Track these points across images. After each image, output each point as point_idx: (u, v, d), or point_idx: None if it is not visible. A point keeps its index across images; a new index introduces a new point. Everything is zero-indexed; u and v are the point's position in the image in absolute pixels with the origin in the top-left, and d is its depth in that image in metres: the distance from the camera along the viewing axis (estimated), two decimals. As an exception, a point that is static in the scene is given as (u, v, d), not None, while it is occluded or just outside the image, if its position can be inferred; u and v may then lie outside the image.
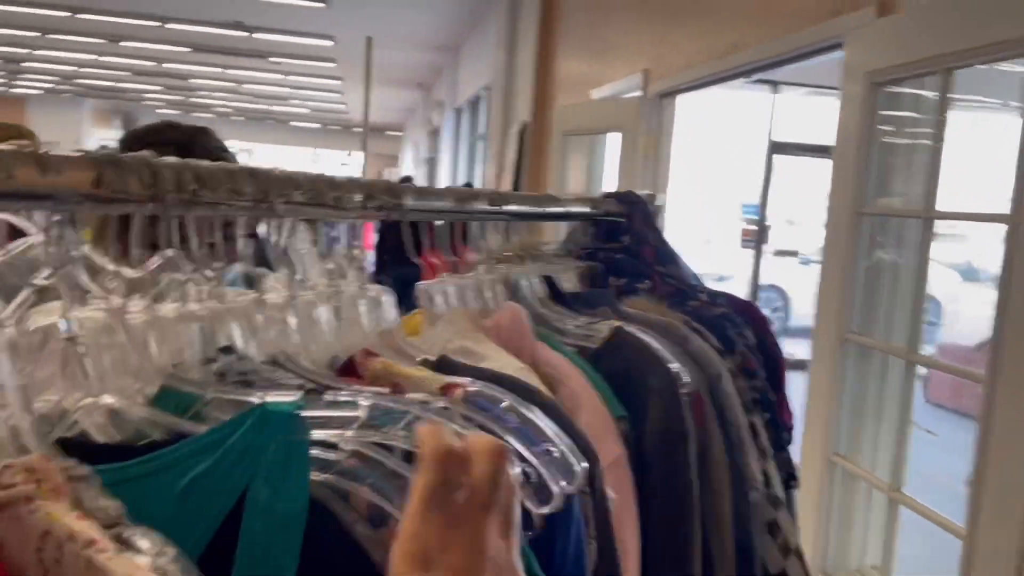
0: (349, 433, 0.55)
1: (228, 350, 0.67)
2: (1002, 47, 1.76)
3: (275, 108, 17.82)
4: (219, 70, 12.69)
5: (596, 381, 0.97)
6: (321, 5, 7.73)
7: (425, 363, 0.80)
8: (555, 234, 1.54)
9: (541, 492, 0.62)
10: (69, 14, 8.83)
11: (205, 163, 0.61)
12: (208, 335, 0.67)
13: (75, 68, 13.63)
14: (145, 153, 0.57)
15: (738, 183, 10.52)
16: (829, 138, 2.34)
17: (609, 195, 1.44)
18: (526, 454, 0.64)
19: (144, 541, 0.41)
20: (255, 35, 9.30)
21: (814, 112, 6.22)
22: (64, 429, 0.55)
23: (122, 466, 0.49)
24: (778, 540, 1.10)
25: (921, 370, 2.27)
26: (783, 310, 10.09)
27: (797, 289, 9.79)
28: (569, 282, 1.24)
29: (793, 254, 10.57)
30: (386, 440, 0.55)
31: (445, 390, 0.69)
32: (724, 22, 3.26)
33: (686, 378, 0.99)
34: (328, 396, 0.60)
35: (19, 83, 15.99)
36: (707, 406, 1.04)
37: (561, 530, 0.67)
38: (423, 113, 14.39)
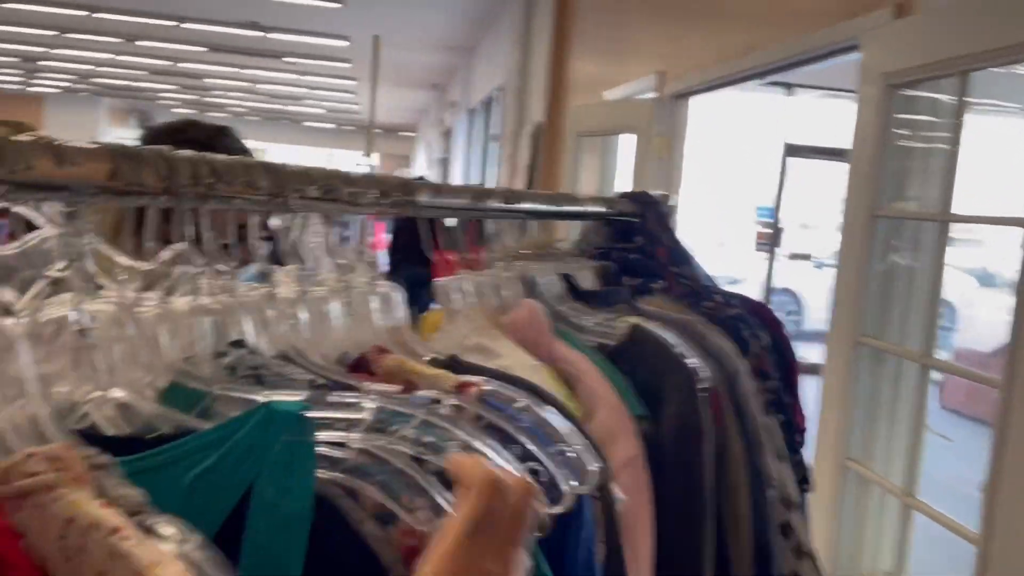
0: (354, 436, 0.55)
1: (239, 344, 0.67)
2: (1020, 49, 1.74)
3: (289, 108, 17.90)
4: (234, 70, 12.75)
5: (615, 378, 0.97)
6: (336, 5, 7.76)
7: (434, 362, 0.79)
8: (568, 234, 1.54)
9: (552, 492, 0.62)
10: (86, 13, 8.89)
11: (221, 157, 0.61)
12: (219, 329, 0.67)
13: (92, 67, 13.73)
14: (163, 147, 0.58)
15: (752, 186, 10.49)
16: (844, 141, 2.33)
17: (623, 195, 1.44)
18: (538, 454, 0.63)
19: (168, 528, 0.41)
20: (270, 35, 9.34)
21: (828, 115, 6.19)
22: (74, 421, 0.55)
23: (130, 459, 0.49)
24: (791, 542, 1.10)
25: (935, 376, 2.26)
26: (797, 314, 10.04)
27: (811, 293, 9.75)
28: (585, 281, 1.24)
29: (807, 257, 10.52)
30: (391, 444, 0.55)
31: (460, 388, 0.69)
32: (739, 23, 3.25)
33: (704, 374, 0.99)
34: (333, 397, 0.60)
35: (37, 82, 16.11)
36: (725, 403, 1.04)
37: (572, 531, 0.67)
38: (436, 114, 14.42)
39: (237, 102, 17.60)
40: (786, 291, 9.91)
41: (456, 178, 11.25)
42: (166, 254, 0.64)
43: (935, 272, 2.12)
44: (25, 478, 0.42)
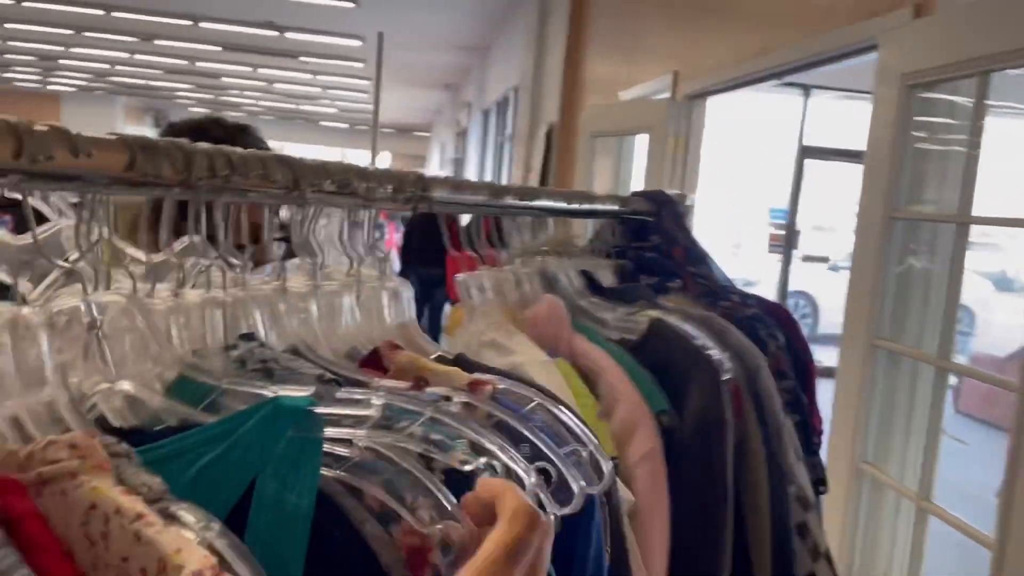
0: (361, 432, 0.54)
1: (249, 337, 0.67)
2: (1041, 50, 1.72)
3: (304, 107, 17.97)
4: (250, 69, 12.81)
5: (637, 372, 0.97)
6: (351, 5, 7.78)
7: (440, 360, 0.79)
8: (583, 233, 1.53)
9: (562, 492, 0.61)
10: (104, 12, 8.95)
11: (238, 149, 0.61)
12: (230, 322, 0.67)
13: (108, 66, 13.82)
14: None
15: (767, 187, 10.45)
16: (861, 143, 2.31)
17: (638, 193, 1.43)
18: (549, 454, 0.63)
19: (189, 515, 0.41)
20: (286, 34, 9.38)
21: (846, 116, 6.16)
22: (84, 412, 0.55)
23: (136, 451, 0.49)
24: (807, 543, 1.09)
25: (951, 380, 2.24)
26: (811, 316, 9.99)
27: (826, 295, 9.70)
28: (605, 278, 1.24)
29: (823, 260, 10.47)
30: (398, 443, 0.54)
31: (472, 386, 0.69)
32: (755, 23, 3.23)
33: (727, 365, 0.99)
34: (341, 393, 0.59)
35: (54, 80, 16.24)
36: (745, 398, 1.04)
37: (581, 532, 0.66)
38: (451, 114, 14.45)
39: (252, 101, 17.68)
40: (801, 294, 9.86)
41: (470, 178, 11.24)
42: (177, 246, 0.64)
43: (953, 275, 2.10)
44: (46, 465, 0.42)
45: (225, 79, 14.53)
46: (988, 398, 6.48)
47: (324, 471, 0.51)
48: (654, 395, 0.96)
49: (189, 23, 9.23)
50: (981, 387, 6.47)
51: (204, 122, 1.55)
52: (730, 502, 0.96)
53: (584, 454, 0.66)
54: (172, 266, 0.64)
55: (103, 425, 0.54)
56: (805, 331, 1.29)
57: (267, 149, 1.57)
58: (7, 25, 10.46)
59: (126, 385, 0.56)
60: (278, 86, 14.94)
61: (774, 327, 1.19)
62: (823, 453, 1.43)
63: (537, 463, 0.61)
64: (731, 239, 11.06)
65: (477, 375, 0.71)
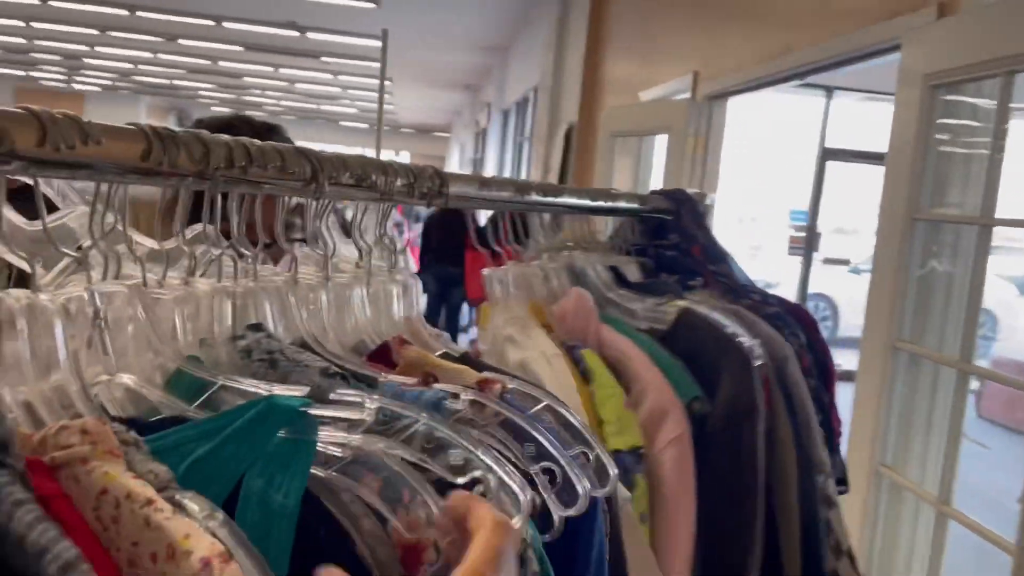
0: (352, 437, 0.54)
1: (257, 328, 0.67)
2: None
3: (324, 107, 18.05)
4: (271, 69, 12.89)
5: (666, 361, 0.98)
6: (371, 5, 7.81)
7: (445, 357, 0.79)
8: (603, 231, 1.53)
9: (566, 493, 0.61)
10: (128, 12, 9.03)
11: (256, 141, 0.61)
12: (239, 312, 0.67)
13: (132, 65, 13.95)
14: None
15: (788, 189, 10.39)
16: (883, 145, 2.29)
17: (657, 192, 1.43)
18: (555, 455, 0.63)
19: (193, 505, 0.42)
20: (308, 35, 9.43)
21: (869, 118, 6.11)
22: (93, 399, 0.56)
23: None
24: (830, 540, 1.09)
25: (973, 384, 2.21)
26: (831, 319, 9.92)
27: (846, 298, 9.62)
28: (631, 274, 1.26)
29: (843, 262, 10.39)
30: (390, 449, 0.54)
31: (482, 385, 0.69)
32: (777, 23, 3.21)
33: (758, 351, 0.99)
34: (335, 395, 0.59)
35: (79, 79, 16.41)
36: (774, 388, 1.03)
37: (584, 535, 0.66)
38: (470, 115, 14.47)
39: (274, 101, 17.79)
40: (821, 296, 9.79)
41: (489, 178, 11.24)
42: (189, 233, 0.64)
43: (975, 278, 2.07)
44: (59, 450, 0.42)
45: (247, 79, 14.63)
46: (1011, 403, 6.41)
47: (315, 471, 0.51)
48: (684, 383, 0.96)
49: (212, 23, 9.30)
50: (1004, 392, 6.39)
51: (233, 120, 1.55)
52: (761, 489, 0.96)
53: (591, 456, 0.66)
54: (180, 254, 0.64)
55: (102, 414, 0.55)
56: (825, 334, 1.28)
57: None
58: (33, 25, 10.58)
59: (126, 378, 0.57)
60: (299, 86, 15.03)
61: (795, 326, 1.18)
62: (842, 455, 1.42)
63: (543, 463, 0.61)
64: (751, 241, 11.00)
65: (487, 374, 0.71)
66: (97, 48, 12.38)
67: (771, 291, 1.33)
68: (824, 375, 1.23)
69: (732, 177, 4.25)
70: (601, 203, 1.25)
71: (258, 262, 0.69)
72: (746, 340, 1.00)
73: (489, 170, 11.56)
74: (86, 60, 13.90)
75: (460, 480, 0.54)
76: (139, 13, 9.06)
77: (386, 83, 13.30)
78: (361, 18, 8.45)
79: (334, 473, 0.52)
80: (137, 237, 0.62)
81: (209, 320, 0.65)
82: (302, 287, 0.74)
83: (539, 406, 0.69)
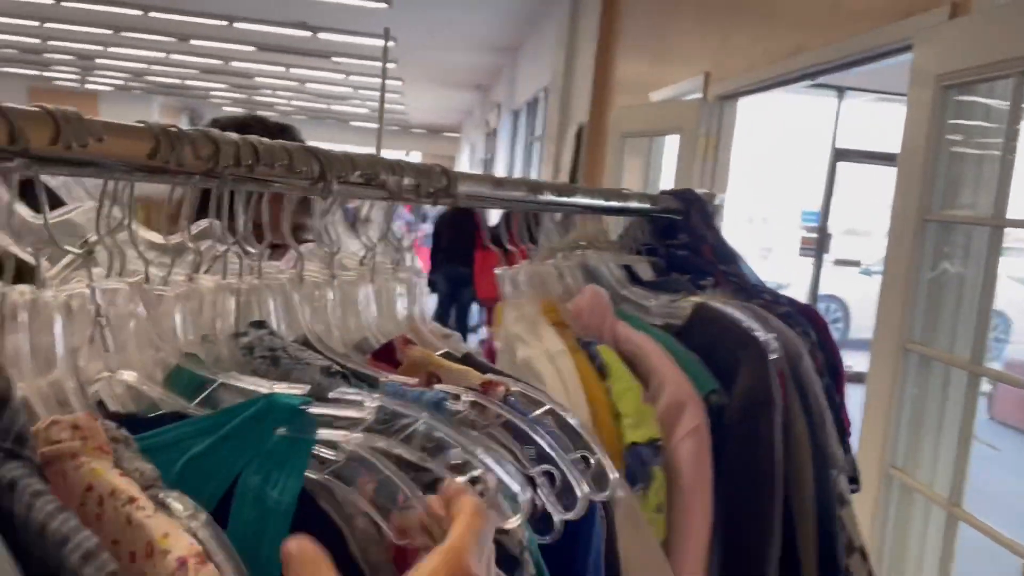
0: (351, 435, 0.54)
1: (260, 325, 0.67)
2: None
3: (335, 107, 18.09)
4: (283, 69, 12.93)
5: (683, 355, 0.98)
6: (383, 6, 7.82)
7: (447, 357, 0.79)
8: (608, 231, 1.53)
9: (566, 496, 0.61)
10: (141, 12, 9.07)
11: (265, 140, 0.61)
12: (243, 309, 0.67)
13: (145, 65, 14.02)
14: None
15: (799, 190, 10.35)
16: (895, 146, 2.28)
17: (667, 192, 1.42)
18: (555, 458, 0.63)
19: (177, 504, 0.42)
20: (319, 35, 9.45)
21: (881, 119, 6.08)
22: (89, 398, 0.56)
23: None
24: (842, 537, 1.08)
25: (985, 387, 2.20)
26: (842, 321, 9.87)
27: (857, 300, 9.58)
28: (645, 273, 1.26)
29: (855, 264, 10.33)
30: (389, 448, 0.54)
31: (485, 387, 0.69)
32: (788, 23, 3.20)
33: (774, 345, 1.00)
34: (335, 393, 0.59)
35: (92, 79, 16.50)
36: (789, 383, 1.03)
37: (582, 538, 0.66)
38: (481, 115, 14.47)
39: (285, 101, 17.84)
40: (832, 298, 9.75)
41: (499, 179, 11.24)
42: (194, 229, 0.64)
43: (987, 279, 2.06)
44: (49, 445, 0.43)
45: (258, 79, 14.68)
46: (1023, 404, 6.37)
47: (310, 472, 0.51)
48: (701, 376, 0.97)
49: (224, 23, 9.33)
50: (1016, 394, 6.35)
51: (247, 120, 1.56)
52: (779, 481, 0.96)
53: (591, 461, 0.66)
54: (183, 248, 0.64)
55: (102, 410, 0.55)
56: (836, 336, 1.28)
57: None
58: (47, 25, 10.65)
59: (126, 375, 0.57)
60: (310, 86, 15.06)
61: (806, 326, 1.18)
62: (851, 457, 1.41)
63: (543, 466, 0.61)
64: (762, 242, 10.96)
65: (490, 376, 0.71)
66: (110, 48, 12.44)
67: (782, 292, 1.33)
68: (834, 376, 1.23)
69: (743, 178, 4.24)
70: (613, 203, 1.25)
71: (263, 259, 0.70)
72: (761, 334, 1.01)
73: (499, 170, 11.56)
74: (99, 60, 13.97)
75: (459, 479, 0.54)
76: (152, 14, 9.10)
77: (397, 83, 13.33)
78: (372, 18, 8.46)
79: (329, 475, 0.52)
80: (142, 231, 0.63)
81: (212, 317, 0.65)
82: (307, 284, 0.74)
83: (541, 410, 0.69)
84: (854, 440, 1.47)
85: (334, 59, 11.39)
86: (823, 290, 7.54)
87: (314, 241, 0.78)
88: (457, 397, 0.62)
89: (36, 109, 0.47)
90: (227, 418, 0.51)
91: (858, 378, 2.39)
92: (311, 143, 0.73)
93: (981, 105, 2.13)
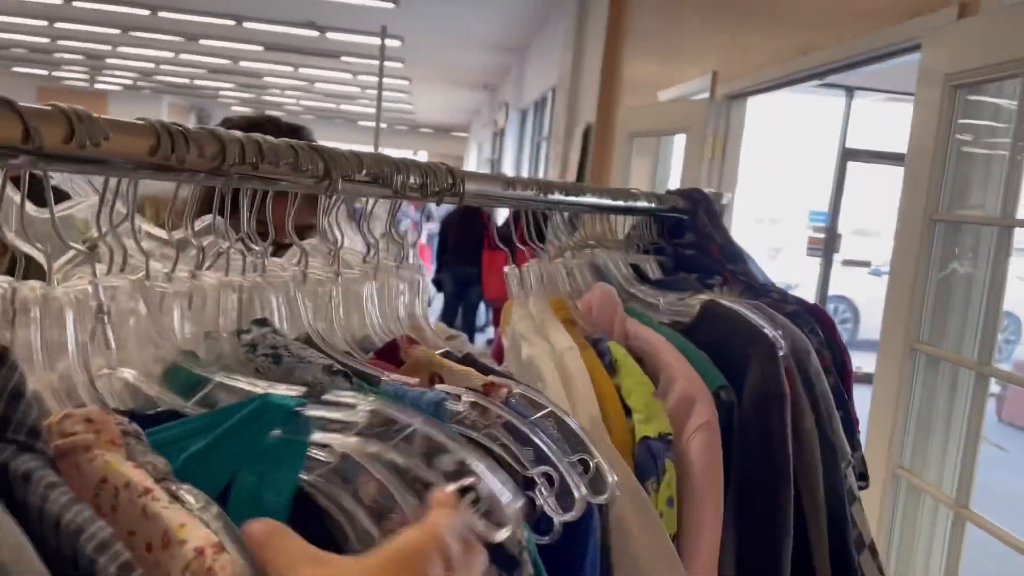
0: (345, 439, 0.54)
1: (263, 323, 0.67)
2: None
3: (344, 107, 18.12)
4: (291, 68, 12.96)
5: (691, 352, 0.99)
6: (391, 5, 7.84)
7: (448, 356, 0.79)
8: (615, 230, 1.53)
9: (563, 498, 0.61)
10: (150, 12, 9.11)
11: (269, 138, 0.61)
12: (246, 306, 0.67)
13: (154, 65, 14.07)
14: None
15: (807, 190, 10.32)
16: (905, 146, 2.27)
17: (673, 192, 1.42)
18: (554, 460, 0.63)
19: (190, 496, 0.42)
20: (327, 34, 9.47)
21: (890, 119, 6.06)
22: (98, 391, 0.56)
23: None
24: (853, 532, 1.08)
25: (994, 388, 2.19)
26: (851, 322, 9.84)
27: (866, 300, 9.54)
28: (650, 271, 1.27)
29: (864, 264, 10.29)
30: (382, 453, 0.54)
31: (488, 388, 0.69)
32: (796, 23, 3.19)
33: (782, 342, 1.00)
34: (329, 396, 0.59)
35: (101, 79, 16.56)
36: (797, 379, 1.04)
37: (579, 540, 0.66)
38: (488, 114, 14.48)
39: (293, 100, 17.88)
40: (841, 298, 9.71)
41: (507, 178, 11.25)
42: (198, 225, 0.64)
43: (996, 279, 2.05)
44: (62, 437, 0.43)
45: (267, 78, 14.71)
46: (1033, 407, 6.35)
47: (303, 474, 0.51)
48: (710, 372, 0.97)
49: (232, 23, 9.36)
50: (1025, 396, 6.33)
51: (259, 120, 1.56)
52: (791, 476, 0.96)
53: (591, 464, 0.66)
54: (186, 244, 0.64)
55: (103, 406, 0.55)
56: (845, 336, 1.28)
57: None
58: (56, 25, 10.69)
59: (126, 372, 0.57)
60: (318, 85, 15.09)
61: (814, 325, 1.18)
62: (858, 457, 1.41)
63: (541, 467, 0.61)
64: (770, 242, 10.93)
65: (493, 378, 0.71)
66: (119, 48, 12.49)
67: (790, 292, 1.33)
68: (842, 374, 1.23)
69: (751, 178, 4.24)
70: (622, 203, 1.25)
71: (266, 256, 0.70)
72: (769, 331, 1.01)
73: (506, 169, 11.56)
74: (108, 60, 14.02)
75: (451, 487, 0.54)
76: (161, 13, 9.13)
77: (405, 83, 13.34)
78: (380, 18, 8.48)
79: (321, 477, 0.51)
80: (145, 226, 0.63)
81: (215, 314, 0.65)
82: (310, 282, 0.74)
83: (542, 412, 0.69)
84: (861, 440, 1.47)
85: (342, 59, 11.41)
86: (832, 291, 7.51)
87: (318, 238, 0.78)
88: (458, 398, 0.62)
89: (50, 108, 0.47)
90: (223, 417, 0.51)
91: (867, 379, 2.39)
92: (320, 142, 0.73)
93: (989, 105, 2.12)
